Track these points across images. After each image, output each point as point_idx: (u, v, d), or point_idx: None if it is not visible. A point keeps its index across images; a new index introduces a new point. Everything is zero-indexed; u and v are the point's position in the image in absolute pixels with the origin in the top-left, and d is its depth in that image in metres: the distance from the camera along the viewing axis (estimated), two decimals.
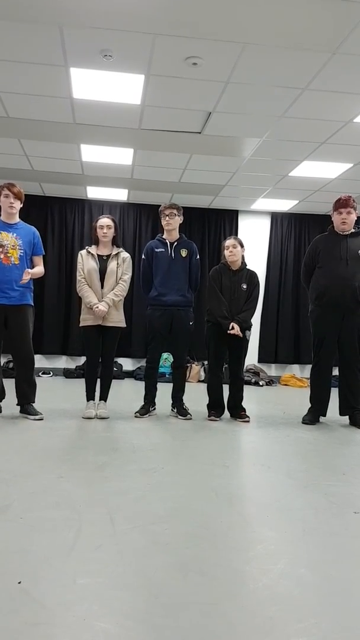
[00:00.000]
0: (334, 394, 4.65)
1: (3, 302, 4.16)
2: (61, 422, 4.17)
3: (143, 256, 4.80)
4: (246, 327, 4.61)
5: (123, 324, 4.60)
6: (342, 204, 4.49)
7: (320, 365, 4.61)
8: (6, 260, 4.17)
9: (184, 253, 4.68)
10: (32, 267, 4.33)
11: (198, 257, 4.80)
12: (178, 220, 4.69)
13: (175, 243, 4.70)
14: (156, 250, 4.70)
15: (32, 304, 4.38)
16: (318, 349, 4.59)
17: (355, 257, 4.44)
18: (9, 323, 4.22)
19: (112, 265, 4.52)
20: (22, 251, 4.23)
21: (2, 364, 4.47)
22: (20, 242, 4.23)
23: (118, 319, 4.54)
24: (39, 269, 4.37)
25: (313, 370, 4.69)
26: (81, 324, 4.54)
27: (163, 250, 4.68)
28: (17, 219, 4.31)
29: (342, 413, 4.61)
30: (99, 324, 4.46)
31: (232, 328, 4.49)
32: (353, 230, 4.54)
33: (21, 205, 4.30)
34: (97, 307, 4.38)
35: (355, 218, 4.52)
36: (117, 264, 4.54)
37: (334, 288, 4.42)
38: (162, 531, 2.02)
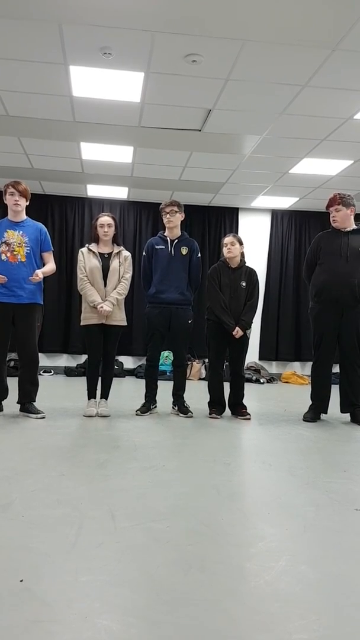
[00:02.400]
0: (335, 391, 4.65)
1: (11, 300, 4.16)
2: (62, 421, 4.17)
3: (144, 253, 4.80)
4: (247, 326, 4.62)
5: (125, 322, 4.59)
6: (328, 203, 4.58)
7: (321, 362, 4.61)
8: (13, 259, 4.17)
9: (184, 251, 4.68)
10: (43, 264, 4.33)
11: (199, 255, 4.78)
12: (179, 217, 4.68)
13: (176, 240, 4.69)
14: (156, 247, 4.70)
15: (42, 303, 4.39)
16: (318, 346, 4.59)
17: (355, 254, 4.44)
18: (17, 322, 4.22)
19: (114, 263, 4.51)
20: (28, 248, 4.23)
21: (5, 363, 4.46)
22: (26, 239, 4.23)
23: (120, 318, 4.53)
24: (49, 267, 4.36)
25: (313, 368, 4.69)
26: (83, 323, 4.52)
27: (163, 247, 4.68)
28: (23, 217, 4.31)
29: (343, 410, 4.61)
30: (101, 323, 4.45)
31: (237, 332, 4.52)
32: (355, 227, 4.54)
33: (27, 203, 4.31)
34: (102, 307, 4.37)
35: (350, 214, 4.52)
36: (119, 262, 4.53)
37: (333, 285, 4.42)
38: (164, 528, 2.02)
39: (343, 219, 4.51)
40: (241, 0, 3.44)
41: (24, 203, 4.25)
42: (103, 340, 4.53)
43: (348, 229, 4.52)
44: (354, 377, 4.53)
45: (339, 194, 4.55)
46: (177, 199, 4.84)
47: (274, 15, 3.59)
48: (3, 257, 4.17)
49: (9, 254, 4.17)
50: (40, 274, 4.19)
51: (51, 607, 1.44)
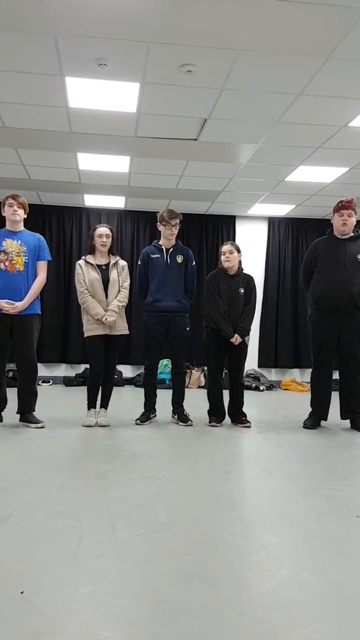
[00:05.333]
0: (335, 397, 4.64)
1: (9, 311, 4.16)
2: (61, 431, 4.16)
3: (139, 262, 4.83)
4: (246, 333, 4.62)
5: (127, 331, 4.60)
6: (344, 205, 4.49)
7: (320, 369, 4.61)
8: (11, 268, 4.20)
9: (179, 259, 4.71)
10: (35, 275, 4.34)
11: (194, 263, 4.82)
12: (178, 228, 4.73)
13: (171, 249, 4.72)
14: (152, 256, 4.72)
15: (39, 312, 4.39)
16: (317, 353, 4.59)
17: (353, 261, 4.45)
18: (15, 332, 4.23)
19: (113, 274, 4.52)
20: (26, 257, 4.25)
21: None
22: (24, 248, 4.25)
23: (123, 327, 4.54)
24: (38, 282, 4.32)
25: (313, 375, 4.69)
26: (87, 335, 4.51)
27: (159, 256, 4.70)
28: (21, 228, 4.35)
29: (343, 417, 4.60)
30: (105, 334, 4.45)
31: (236, 339, 4.52)
32: (352, 234, 4.55)
33: (25, 216, 4.35)
34: (106, 319, 4.38)
35: (355, 221, 4.54)
36: (118, 272, 4.55)
37: (333, 293, 4.43)
38: (164, 538, 2.01)
39: (352, 226, 4.51)
40: (235, 10, 3.47)
41: (22, 213, 4.31)
42: (105, 350, 4.52)
43: (346, 237, 4.53)
44: (353, 384, 4.53)
45: (353, 199, 4.53)
46: (174, 208, 4.87)
47: (267, 25, 3.61)
48: (2, 266, 4.19)
49: (7, 263, 4.19)
50: (20, 305, 4.17)
51: (52, 619, 1.43)
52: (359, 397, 4.53)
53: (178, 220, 4.67)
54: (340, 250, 4.47)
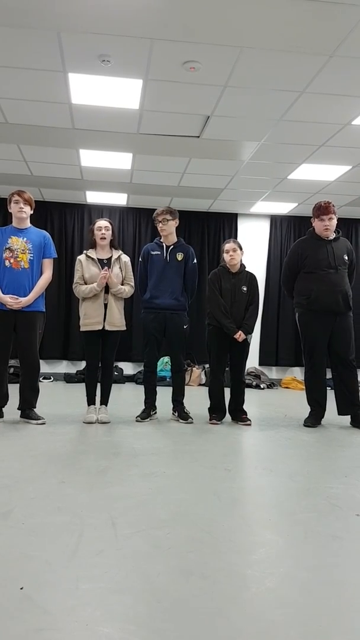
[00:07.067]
0: (330, 395, 4.64)
1: (13, 307, 4.16)
2: (62, 427, 4.16)
3: (140, 259, 4.84)
4: (250, 331, 4.63)
5: (124, 327, 4.59)
6: (323, 210, 4.54)
7: (315, 368, 4.62)
8: (16, 265, 4.20)
9: (179, 257, 4.70)
10: (41, 272, 4.33)
11: (195, 261, 4.80)
12: (172, 224, 4.69)
13: (172, 246, 4.71)
14: (152, 253, 4.73)
15: (43, 310, 4.39)
16: (310, 352, 4.60)
17: (342, 262, 4.54)
18: (18, 328, 4.23)
19: (115, 270, 4.51)
20: (31, 255, 4.25)
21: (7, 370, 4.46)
22: (30, 245, 4.25)
23: (121, 323, 4.53)
24: (44, 279, 4.32)
25: (309, 374, 4.69)
26: (82, 329, 4.52)
27: (158, 253, 4.70)
28: (27, 224, 4.35)
29: (341, 412, 4.60)
30: (100, 329, 4.44)
31: (240, 335, 4.53)
32: (334, 235, 4.63)
33: (31, 212, 4.35)
34: (103, 275, 4.34)
35: (336, 222, 4.59)
36: (120, 267, 4.55)
37: (326, 293, 4.46)
38: (164, 535, 2.02)
39: (333, 228, 4.60)
40: (239, 7, 3.46)
41: (28, 210, 4.30)
42: (102, 346, 4.52)
43: (330, 238, 4.57)
44: (349, 378, 4.54)
45: (331, 203, 4.60)
46: (176, 205, 4.87)
47: (271, 22, 3.61)
48: (6, 263, 4.19)
49: (12, 260, 4.19)
50: (24, 301, 4.17)
51: (52, 616, 1.44)
52: (357, 391, 4.53)
53: (167, 216, 4.63)
54: (328, 251, 4.54)
